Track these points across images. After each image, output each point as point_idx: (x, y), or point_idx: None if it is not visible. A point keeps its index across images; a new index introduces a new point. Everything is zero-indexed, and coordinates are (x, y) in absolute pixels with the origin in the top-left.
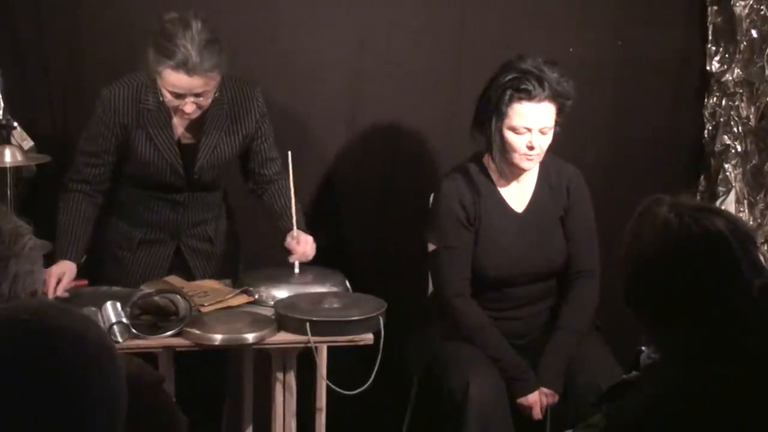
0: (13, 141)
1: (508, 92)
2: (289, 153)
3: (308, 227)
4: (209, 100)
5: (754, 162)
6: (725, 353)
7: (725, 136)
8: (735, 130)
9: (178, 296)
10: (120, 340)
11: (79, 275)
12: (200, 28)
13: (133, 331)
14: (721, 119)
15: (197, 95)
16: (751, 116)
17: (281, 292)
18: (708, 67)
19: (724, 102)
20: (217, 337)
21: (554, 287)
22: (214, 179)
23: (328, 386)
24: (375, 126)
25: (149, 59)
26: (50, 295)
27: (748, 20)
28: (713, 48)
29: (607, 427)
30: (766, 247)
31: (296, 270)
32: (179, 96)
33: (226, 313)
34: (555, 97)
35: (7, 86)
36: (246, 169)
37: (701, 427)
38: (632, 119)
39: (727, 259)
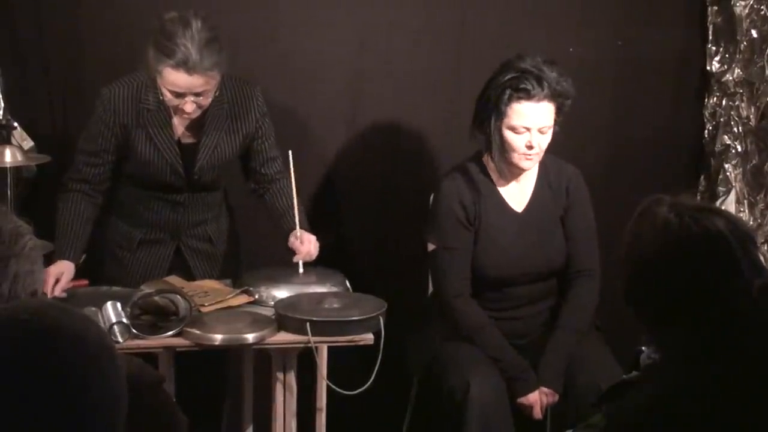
0: (13, 141)
1: (508, 92)
2: (290, 152)
3: (309, 227)
4: (209, 100)
5: (754, 162)
6: (725, 353)
7: (725, 136)
8: (735, 130)
9: (178, 296)
10: (120, 340)
11: (79, 275)
12: (200, 26)
13: (133, 331)
14: (721, 119)
15: (197, 94)
16: (751, 116)
17: (281, 292)
18: (708, 67)
19: (724, 102)
20: (218, 337)
21: (554, 287)
22: (215, 179)
23: (328, 386)
24: (375, 126)
25: (149, 58)
26: (48, 295)
27: (748, 20)
28: (713, 48)
29: (607, 427)
30: (766, 247)
31: (300, 270)
32: (179, 95)
33: (226, 313)
34: (554, 96)
35: (7, 86)
36: (247, 168)
37: (701, 427)
38: (632, 119)
39: (727, 259)
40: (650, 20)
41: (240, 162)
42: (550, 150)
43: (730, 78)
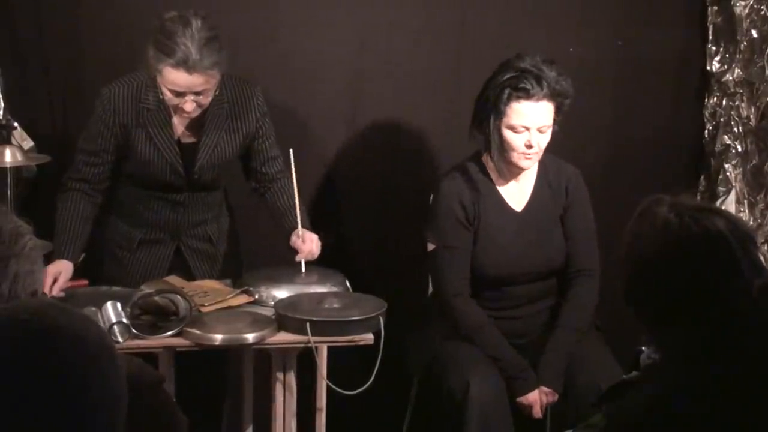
0: (13, 141)
1: (507, 91)
2: (291, 151)
3: (310, 226)
4: (209, 99)
5: (754, 162)
6: (725, 353)
7: (725, 136)
8: (735, 130)
9: (178, 296)
10: (120, 340)
11: (79, 275)
12: (200, 25)
13: (133, 331)
14: (722, 119)
15: (197, 93)
16: (751, 116)
17: (281, 292)
18: (708, 67)
19: (724, 102)
20: (218, 337)
21: (554, 286)
22: (215, 179)
23: (328, 386)
24: (375, 126)
25: (149, 57)
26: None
27: (748, 20)
28: (713, 48)
29: (607, 427)
30: (766, 247)
31: (302, 269)
32: (179, 94)
33: (226, 313)
34: (553, 95)
35: (7, 86)
36: (248, 168)
37: (701, 427)
38: (632, 119)
39: (727, 259)
40: (650, 20)
41: (241, 162)
42: (550, 149)
43: (730, 78)
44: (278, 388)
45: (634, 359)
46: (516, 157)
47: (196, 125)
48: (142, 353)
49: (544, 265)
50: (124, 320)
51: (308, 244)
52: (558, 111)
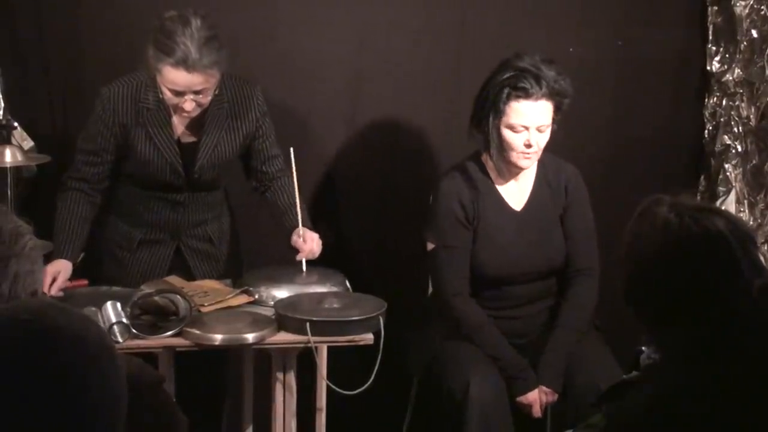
0: (13, 141)
1: (506, 90)
2: (291, 150)
3: (311, 225)
4: (209, 98)
5: (754, 162)
6: (725, 353)
7: (725, 136)
8: (735, 130)
9: (178, 296)
10: (120, 340)
11: (79, 275)
12: (200, 25)
13: (133, 331)
14: (722, 119)
15: (197, 92)
16: (751, 116)
17: (281, 292)
18: (708, 67)
19: (724, 102)
20: (217, 337)
21: (553, 286)
22: (215, 179)
23: (328, 386)
24: (375, 125)
25: (149, 57)
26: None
27: (748, 20)
28: (713, 48)
29: (607, 427)
30: (766, 247)
31: (303, 268)
32: (179, 93)
33: (226, 313)
34: (552, 95)
35: (7, 86)
36: (248, 167)
37: (701, 427)
38: (632, 119)
39: (727, 259)
40: (650, 20)
41: (241, 161)
42: (550, 149)
43: (730, 78)
44: (278, 388)
45: (634, 359)
46: (515, 157)
47: (196, 125)
48: (142, 353)
49: (544, 265)
50: (124, 320)
51: (309, 243)
52: (557, 110)
